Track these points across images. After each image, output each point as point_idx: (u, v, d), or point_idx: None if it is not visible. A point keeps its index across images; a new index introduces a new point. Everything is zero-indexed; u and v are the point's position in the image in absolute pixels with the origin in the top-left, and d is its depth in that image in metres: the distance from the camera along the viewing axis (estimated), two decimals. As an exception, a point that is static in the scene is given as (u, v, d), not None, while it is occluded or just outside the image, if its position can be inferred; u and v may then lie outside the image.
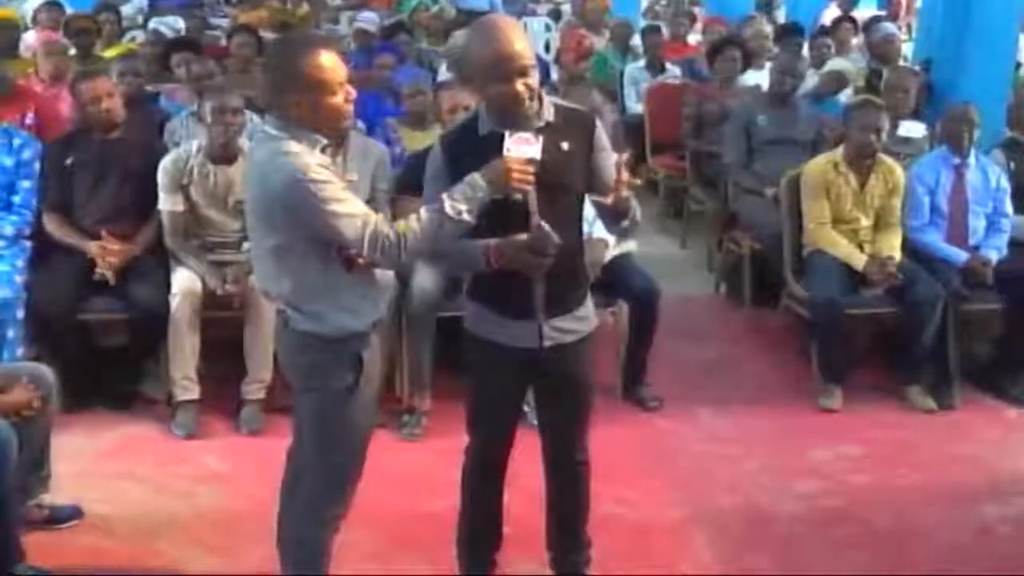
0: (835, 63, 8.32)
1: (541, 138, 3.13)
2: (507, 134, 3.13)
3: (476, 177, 3.11)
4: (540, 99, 3.28)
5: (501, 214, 3.18)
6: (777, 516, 4.47)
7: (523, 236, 3.21)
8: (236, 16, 10.95)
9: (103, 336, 5.40)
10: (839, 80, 7.92)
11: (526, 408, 3.88)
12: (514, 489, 3.72)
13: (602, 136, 3.40)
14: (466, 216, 3.10)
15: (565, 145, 3.27)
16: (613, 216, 3.37)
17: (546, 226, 3.18)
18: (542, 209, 3.22)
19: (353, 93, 3.19)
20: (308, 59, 3.08)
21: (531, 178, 3.12)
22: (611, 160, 3.36)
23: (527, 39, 3.26)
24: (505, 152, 3.11)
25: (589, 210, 3.60)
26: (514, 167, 3.10)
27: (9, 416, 3.71)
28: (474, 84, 3.30)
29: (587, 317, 3.52)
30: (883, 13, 11.97)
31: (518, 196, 3.16)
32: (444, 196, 3.11)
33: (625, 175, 3.23)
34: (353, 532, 3.63)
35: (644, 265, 5.55)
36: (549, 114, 3.29)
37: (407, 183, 4.96)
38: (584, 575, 3.77)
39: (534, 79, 3.21)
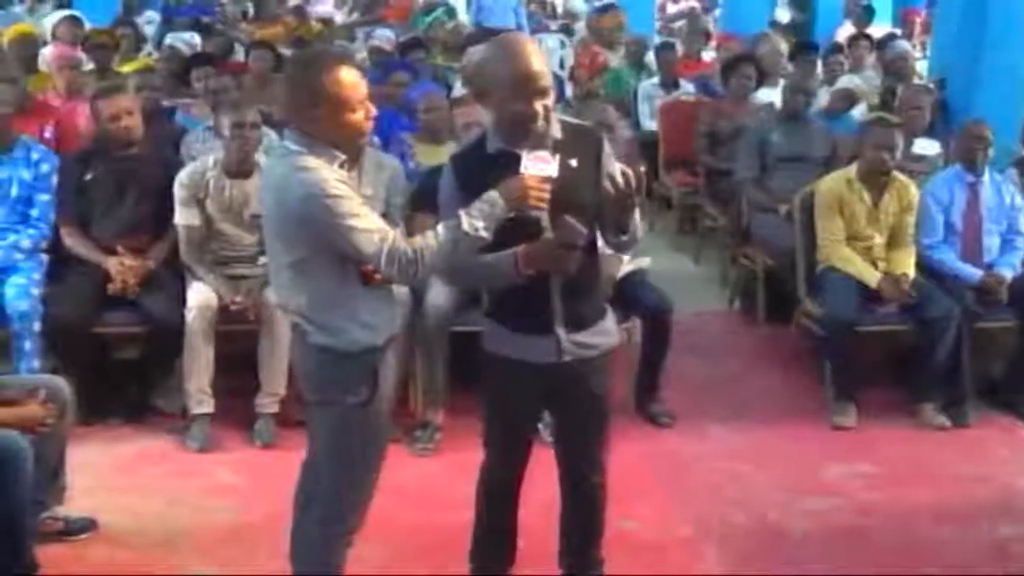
0: (846, 80, 8.33)
1: (558, 157, 3.16)
2: (524, 152, 3.15)
3: (493, 194, 3.13)
4: (548, 117, 3.30)
5: (514, 232, 3.20)
6: (789, 533, 4.46)
7: (548, 236, 3.23)
8: (253, 32, 11.01)
9: (118, 349, 5.43)
10: (849, 97, 7.92)
11: (540, 426, 3.89)
12: (527, 504, 3.71)
13: (608, 151, 3.41)
14: (483, 232, 3.12)
15: (574, 162, 3.28)
16: (612, 228, 3.38)
17: (570, 219, 3.18)
18: (555, 224, 3.24)
19: (373, 110, 3.21)
20: (329, 75, 3.10)
21: (547, 196, 3.14)
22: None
23: (545, 59, 3.27)
24: (522, 170, 3.13)
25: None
26: (531, 185, 3.12)
27: (24, 430, 3.73)
28: (490, 100, 3.30)
29: (608, 332, 3.53)
30: (898, 31, 11.98)
31: (533, 213, 3.19)
32: (461, 212, 3.12)
33: (630, 178, 3.24)
34: (366, 546, 3.64)
35: (657, 281, 5.56)
36: (557, 131, 3.31)
37: (422, 200, 4.97)
38: (597, 593, 3.77)
39: (551, 99, 3.24)
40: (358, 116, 3.15)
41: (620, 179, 3.21)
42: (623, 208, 3.27)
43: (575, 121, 3.51)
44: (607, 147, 3.41)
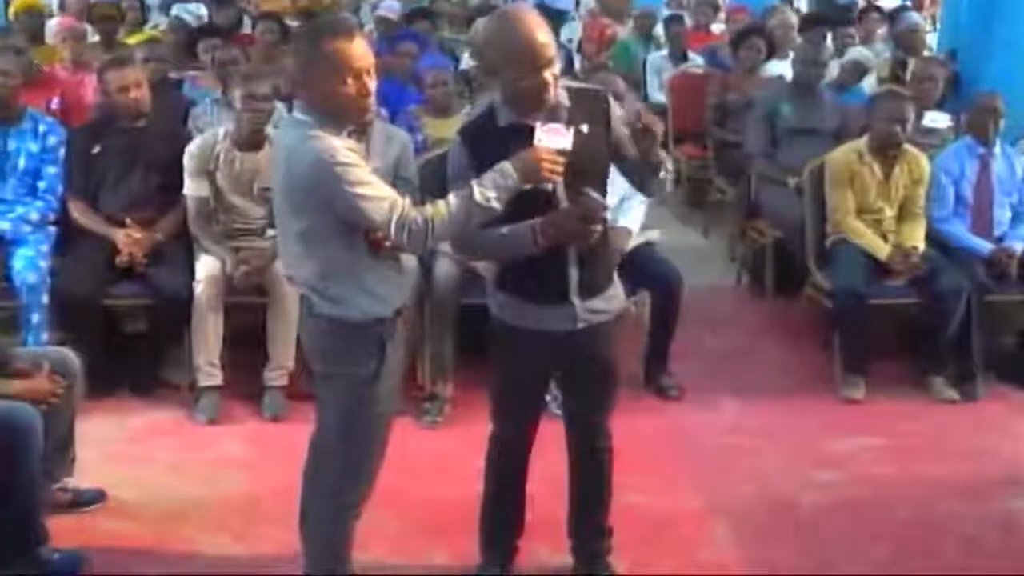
0: (854, 52, 8.28)
1: (572, 129, 3.14)
2: (538, 125, 3.14)
3: (506, 166, 3.11)
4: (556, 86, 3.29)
5: (528, 203, 3.20)
6: (799, 506, 4.46)
7: (566, 208, 3.23)
8: (260, 4, 10.95)
9: (127, 322, 5.44)
10: (858, 69, 7.87)
11: (548, 397, 3.90)
12: (536, 477, 3.72)
13: (617, 109, 3.42)
14: (495, 204, 3.11)
15: (585, 128, 3.27)
16: (644, 172, 3.39)
17: (591, 192, 3.18)
18: (570, 194, 3.23)
19: (371, 86, 3.16)
20: (331, 45, 3.07)
21: (561, 168, 3.13)
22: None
23: (548, 29, 3.27)
24: (536, 142, 3.12)
25: (613, 198, 3.60)
26: (545, 157, 3.11)
27: (34, 403, 3.73)
28: (498, 74, 3.29)
29: (616, 296, 3.54)
30: (908, 3, 11.89)
31: (547, 185, 3.18)
32: (474, 183, 3.11)
33: (646, 121, 3.25)
34: (374, 518, 3.64)
35: (666, 254, 5.54)
36: (564, 99, 3.30)
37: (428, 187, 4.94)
38: (605, 562, 3.78)
39: (557, 69, 3.23)
40: (357, 88, 3.09)
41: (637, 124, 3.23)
42: (649, 146, 3.26)
43: (581, 85, 3.50)
44: (615, 107, 3.41)
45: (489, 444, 3.67)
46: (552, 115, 3.20)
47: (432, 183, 4.31)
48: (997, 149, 5.78)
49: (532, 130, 3.14)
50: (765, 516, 4.39)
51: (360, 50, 3.11)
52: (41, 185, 5.38)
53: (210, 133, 5.33)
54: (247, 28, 9.21)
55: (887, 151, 5.60)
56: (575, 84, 3.48)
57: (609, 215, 3.68)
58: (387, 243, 3.16)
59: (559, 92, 3.28)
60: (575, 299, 3.39)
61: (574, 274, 3.37)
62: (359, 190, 3.04)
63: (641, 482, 4.40)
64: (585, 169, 3.25)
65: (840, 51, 8.60)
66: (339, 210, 3.08)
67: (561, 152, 3.12)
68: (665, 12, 11.10)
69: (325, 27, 3.23)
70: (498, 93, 3.34)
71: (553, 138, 3.12)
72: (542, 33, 3.18)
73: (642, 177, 3.46)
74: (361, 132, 4.95)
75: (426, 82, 6.28)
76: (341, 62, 3.07)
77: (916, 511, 4.43)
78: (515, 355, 3.49)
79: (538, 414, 3.62)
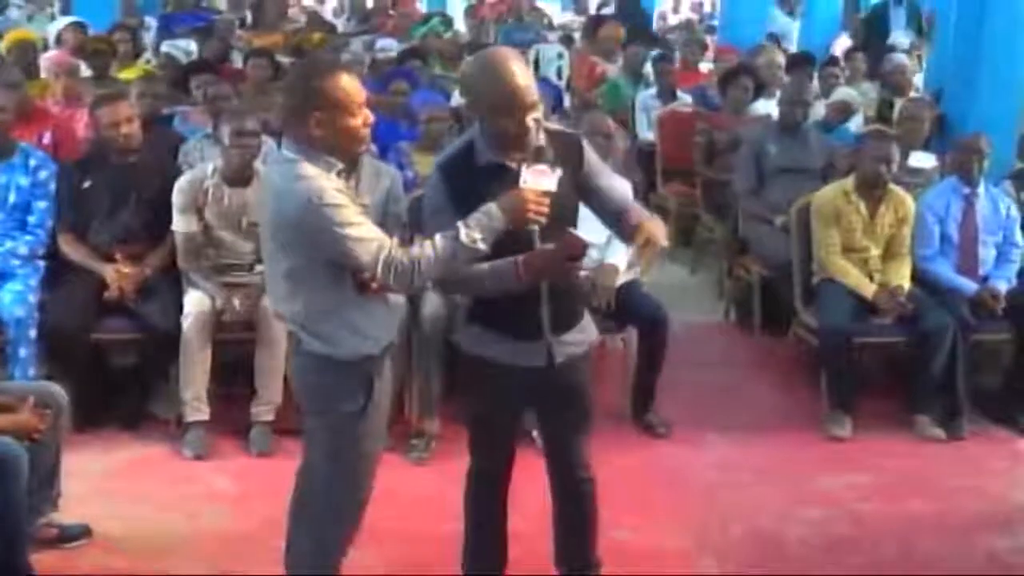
0: (841, 92, 8.35)
1: (558, 171, 3.18)
2: (523, 166, 3.18)
3: (492, 207, 3.14)
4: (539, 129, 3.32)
5: (505, 242, 3.21)
6: (785, 544, 4.47)
7: (549, 246, 3.26)
8: (251, 40, 11.01)
9: (115, 356, 5.43)
10: (845, 109, 7.94)
11: (534, 433, 3.90)
12: (521, 511, 3.73)
13: (592, 155, 3.45)
14: (481, 245, 3.13)
15: (559, 171, 3.30)
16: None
17: (575, 232, 3.23)
18: (544, 234, 3.26)
19: (371, 118, 3.22)
20: (328, 80, 3.11)
21: (546, 210, 3.16)
22: (615, 180, 3.47)
23: (529, 72, 3.31)
24: (522, 183, 3.15)
25: (600, 236, 3.63)
26: (531, 199, 3.14)
27: (20, 438, 3.73)
28: (481, 115, 3.33)
29: (588, 328, 3.59)
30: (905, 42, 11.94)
31: (532, 227, 3.21)
32: (460, 224, 3.14)
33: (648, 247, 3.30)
34: (361, 554, 3.64)
35: (653, 291, 5.56)
36: (541, 140, 3.33)
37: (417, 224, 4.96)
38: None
39: (540, 112, 3.27)
40: (356, 122, 3.16)
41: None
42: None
43: (557, 128, 3.54)
44: (589, 151, 3.44)
45: (467, 477, 3.69)
46: (538, 156, 3.23)
47: (420, 220, 4.33)
48: (981, 189, 5.82)
49: (512, 170, 3.19)
50: (751, 552, 4.40)
51: (355, 84, 3.18)
52: (31, 219, 5.37)
53: (199, 169, 5.35)
54: (236, 63, 9.25)
55: (873, 191, 5.64)
56: (552, 126, 3.51)
57: (596, 252, 3.73)
58: (373, 284, 3.18)
59: (540, 134, 3.31)
60: (548, 335, 3.43)
61: (546, 310, 3.40)
62: (347, 231, 3.07)
63: (628, 519, 4.41)
64: (558, 211, 3.27)
65: (826, 91, 8.68)
66: (327, 250, 3.10)
67: (546, 193, 3.15)
68: (654, 50, 11.18)
69: (324, 64, 3.30)
70: (478, 129, 3.37)
71: (538, 180, 3.16)
72: (523, 77, 3.22)
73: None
74: (351, 168, 4.98)
75: (423, 117, 6.34)
76: (346, 97, 3.12)
77: (901, 548, 4.44)
78: (487, 389, 3.51)
79: (513, 447, 3.64)
